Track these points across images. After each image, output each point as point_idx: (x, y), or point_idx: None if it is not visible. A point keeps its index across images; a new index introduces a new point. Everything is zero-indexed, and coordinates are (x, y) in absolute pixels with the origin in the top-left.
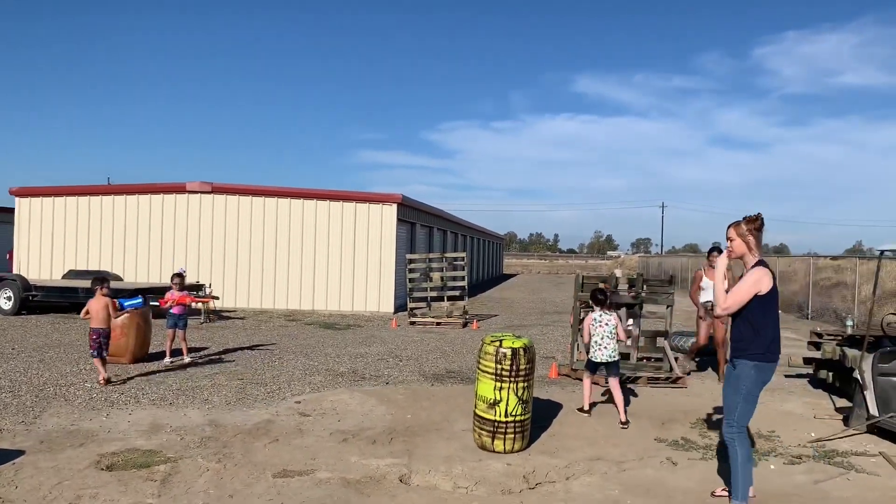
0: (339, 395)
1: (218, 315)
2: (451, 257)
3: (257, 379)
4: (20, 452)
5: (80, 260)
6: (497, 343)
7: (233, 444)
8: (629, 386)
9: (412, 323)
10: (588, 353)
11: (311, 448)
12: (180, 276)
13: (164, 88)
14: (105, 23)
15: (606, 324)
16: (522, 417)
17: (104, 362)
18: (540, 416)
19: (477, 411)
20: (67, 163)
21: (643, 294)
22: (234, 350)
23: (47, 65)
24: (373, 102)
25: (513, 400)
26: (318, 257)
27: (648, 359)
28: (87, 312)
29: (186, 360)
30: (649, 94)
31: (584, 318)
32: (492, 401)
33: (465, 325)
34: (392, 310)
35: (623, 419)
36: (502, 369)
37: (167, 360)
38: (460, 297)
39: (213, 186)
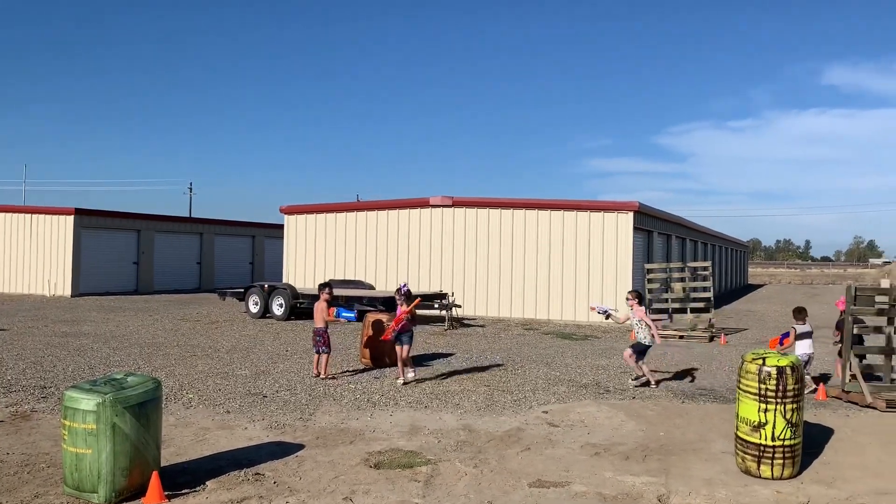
0: (585, 408)
1: (460, 322)
2: (694, 267)
3: (503, 386)
4: (301, 446)
5: (339, 270)
6: (760, 361)
7: (487, 450)
8: None
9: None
10: None
11: (564, 459)
12: (400, 292)
13: (406, 119)
14: (353, 53)
15: None
16: (792, 442)
17: (322, 358)
18: (810, 441)
19: (739, 433)
20: (321, 182)
21: None
22: (478, 357)
23: (318, 99)
24: (597, 108)
25: (780, 423)
26: (552, 267)
27: None
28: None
29: (410, 374)
30: None
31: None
32: (756, 423)
33: (711, 339)
34: None
35: None
36: (767, 389)
37: (401, 378)
38: (705, 310)
39: (453, 200)
